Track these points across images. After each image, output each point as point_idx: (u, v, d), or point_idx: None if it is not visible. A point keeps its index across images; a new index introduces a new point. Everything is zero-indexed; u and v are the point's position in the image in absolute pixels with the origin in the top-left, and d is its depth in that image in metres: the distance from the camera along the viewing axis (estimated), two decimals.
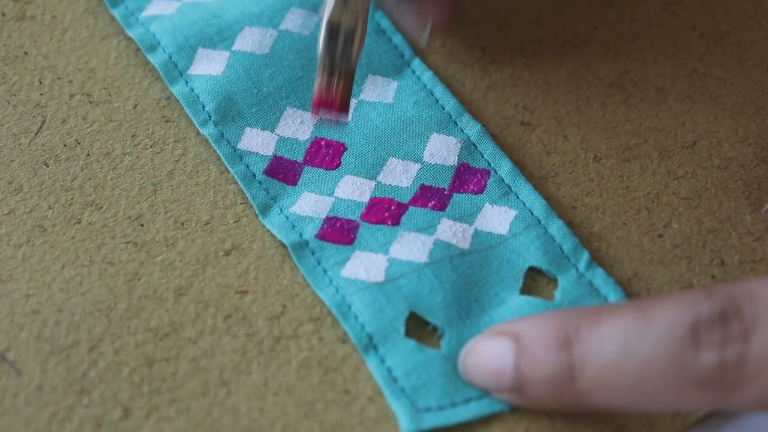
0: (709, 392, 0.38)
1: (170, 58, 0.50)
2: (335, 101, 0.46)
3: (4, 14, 0.53)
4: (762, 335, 0.38)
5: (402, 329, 0.43)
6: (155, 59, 0.50)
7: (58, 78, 0.51)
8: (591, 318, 0.39)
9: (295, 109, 0.49)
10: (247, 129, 0.49)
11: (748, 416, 0.43)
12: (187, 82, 0.50)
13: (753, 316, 0.38)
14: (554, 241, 0.46)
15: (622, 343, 0.39)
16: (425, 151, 0.48)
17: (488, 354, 0.41)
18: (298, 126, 0.49)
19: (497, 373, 0.40)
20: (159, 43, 0.51)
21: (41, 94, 0.50)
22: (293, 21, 0.51)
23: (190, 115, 0.49)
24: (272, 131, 0.49)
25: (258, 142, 0.48)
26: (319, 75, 0.46)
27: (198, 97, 0.49)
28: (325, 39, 0.45)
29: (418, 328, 0.44)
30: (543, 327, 0.40)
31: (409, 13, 0.50)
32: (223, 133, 0.48)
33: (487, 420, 0.42)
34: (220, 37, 0.51)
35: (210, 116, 0.49)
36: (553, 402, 0.40)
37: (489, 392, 0.41)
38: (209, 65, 0.50)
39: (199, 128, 0.49)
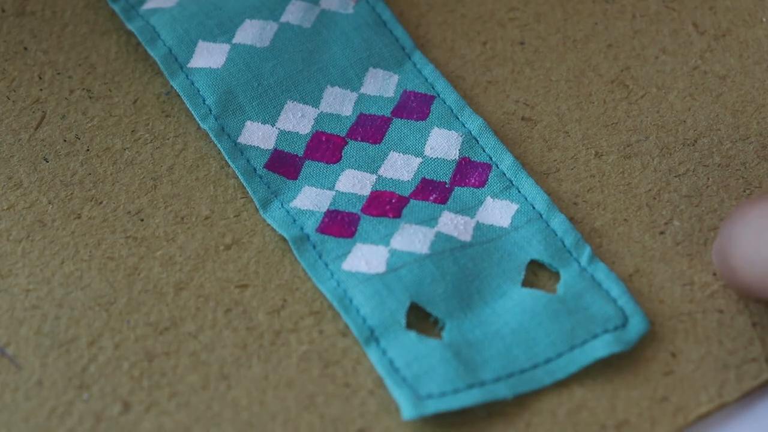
0: None
1: (170, 51, 0.50)
2: None
3: (3, 10, 0.53)
4: None
5: (403, 321, 0.43)
6: (155, 52, 0.50)
7: (58, 73, 0.51)
8: None
9: (295, 102, 0.49)
10: (248, 123, 0.49)
11: (750, 413, 0.43)
12: (187, 76, 0.50)
13: None
14: (556, 235, 0.46)
15: None
16: (426, 146, 0.48)
17: None
18: (299, 120, 0.49)
19: None
20: (159, 35, 0.51)
21: (41, 90, 0.50)
22: (294, 13, 0.51)
23: (190, 109, 0.49)
24: (273, 125, 0.49)
25: (259, 135, 0.48)
26: None
27: (198, 91, 0.49)
28: None
29: (419, 320, 0.43)
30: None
31: None
32: (223, 127, 0.48)
33: (488, 414, 0.42)
34: (220, 29, 0.51)
35: (210, 110, 0.49)
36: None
37: None
38: (209, 58, 0.50)
39: (199, 122, 0.49)
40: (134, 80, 0.51)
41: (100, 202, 0.47)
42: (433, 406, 0.41)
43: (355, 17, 0.51)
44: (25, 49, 0.52)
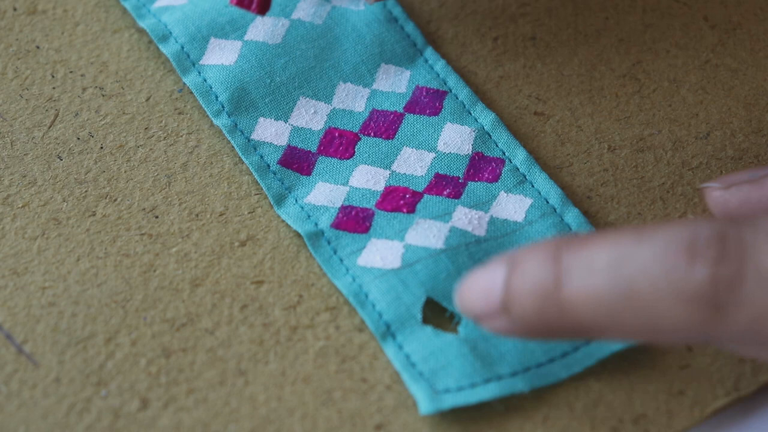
0: (700, 310, 0.37)
1: (182, 48, 0.50)
2: None
3: (15, 8, 0.53)
4: (759, 260, 0.37)
5: (419, 316, 0.43)
6: (167, 49, 0.50)
7: (71, 71, 0.51)
8: (584, 237, 0.38)
9: (308, 98, 0.49)
10: (261, 119, 0.49)
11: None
12: (199, 72, 0.50)
13: (753, 241, 0.37)
14: (570, 229, 0.46)
15: (614, 256, 0.37)
16: (439, 141, 0.48)
17: (481, 279, 0.39)
18: (312, 116, 0.49)
19: (486, 294, 0.38)
20: (171, 33, 0.51)
21: (54, 88, 0.50)
22: (305, 10, 0.51)
23: (203, 106, 0.49)
24: (286, 121, 0.49)
25: (272, 132, 0.48)
26: None
27: (211, 88, 0.49)
28: None
29: (435, 315, 0.44)
30: (538, 247, 0.38)
31: None
32: (236, 124, 0.48)
33: (505, 408, 0.42)
34: (232, 26, 0.51)
35: (223, 106, 0.49)
36: (538, 315, 0.38)
37: (480, 322, 0.39)
38: (222, 55, 0.50)
39: (212, 119, 0.49)
40: (146, 78, 0.51)
41: (115, 200, 0.47)
42: (451, 401, 0.41)
43: (366, 13, 0.51)
44: (37, 47, 0.52)
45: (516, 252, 0.39)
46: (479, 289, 0.39)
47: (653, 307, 0.37)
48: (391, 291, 0.44)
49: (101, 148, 0.49)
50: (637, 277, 0.37)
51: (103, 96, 0.50)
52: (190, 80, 0.50)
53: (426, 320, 0.43)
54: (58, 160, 0.48)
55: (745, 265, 0.37)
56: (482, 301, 0.39)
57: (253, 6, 0.47)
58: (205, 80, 0.49)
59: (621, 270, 0.37)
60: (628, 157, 0.48)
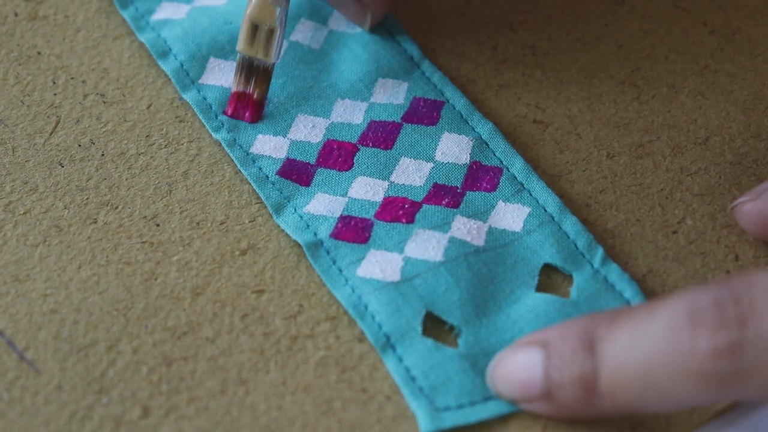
0: (709, 385, 0.37)
1: (182, 65, 0.50)
2: (251, 100, 0.47)
3: (16, 14, 0.53)
4: (758, 321, 0.37)
5: (419, 328, 0.43)
6: (166, 66, 0.50)
7: (72, 78, 0.51)
8: (610, 319, 0.39)
9: (306, 115, 0.49)
10: (260, 136, 0.49)
11: (765, 411, 0.43)
12: (199, 91, 0.50)
13: (750, 302, 0.37)
14: (568, 237, 0.46)
15: (630, 340, 0.38)
16: (437, 150, 0.48)
17: (517, 365, 0.40)
18: (310, 130, 0.49)
19: (527, 383, 0.40)
20: (170, 49, 0.51)
21: (55, 94, 0.51)
22: (303, 33, 0.51)
23: (203, 121, 0.49)
24: (284, 136, 0.49)
25: (270, 146, 0.49)
26: (236, 74, 0.47)
27: (211, 107, 0.49)
28: (244, 37, 0.46)
29: (435, 327, 0.44)
30: (569, 332, 0.40)
31: (350, 3, 0.50)
32: (235, 138, 0.49)
33: (504, 417, 0.42)
34: (231, 46, 0.51)
35: (223, 124, 0.49)
36: (582, 405, 0.40)
37: (518, 404, 0.41)
38: (221, 76, 0.50)
39: (212, 133, 0.49)
40: (147, 85, 0.51)
41: (116, 207, 0.47)
42: (451, 420, 0.41)
43: (363, 35, 0.52)
44: (39, 53, 0.52)
45: (547, 334, 0.40)
46: (517, 376, 0.40)
47: (669, 385, 0.38)
48: (391, 303, 0.44)
49: (102, 155, 0.49)
50: (649, 358, 0.38)
51: (105, 103, 0.50)
52: (189, 96, 0.50)
53: (426, 332, 0.43)
54: (60, 167, 0.48)
55: (745, 328, 0.37)
56: (522, 388, 0.40)
57: (246, 116, 0.48)
58: (204, 98, 0.50)
59: (637, 352, 0.38)
60: (627, 164, 0.49)
